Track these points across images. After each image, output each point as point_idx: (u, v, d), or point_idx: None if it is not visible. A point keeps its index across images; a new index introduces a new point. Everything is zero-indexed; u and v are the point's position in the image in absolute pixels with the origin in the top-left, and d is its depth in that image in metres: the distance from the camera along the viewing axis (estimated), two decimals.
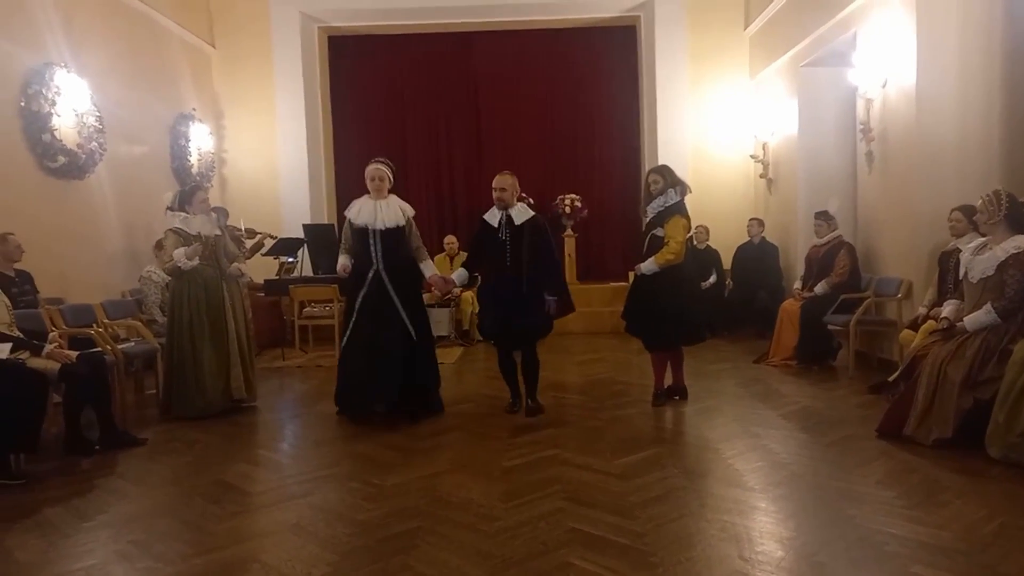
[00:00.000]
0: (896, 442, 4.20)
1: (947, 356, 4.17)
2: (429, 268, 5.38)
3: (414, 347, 5.14)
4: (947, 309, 4.61)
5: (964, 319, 4.23)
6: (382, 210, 5.16)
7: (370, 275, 5.14)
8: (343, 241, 5.35)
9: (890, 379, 4.74)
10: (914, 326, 5.42)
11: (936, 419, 4.11)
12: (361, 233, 5.17)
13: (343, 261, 5.28)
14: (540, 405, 5.24)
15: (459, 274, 5.39)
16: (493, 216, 5.25)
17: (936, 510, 3.19)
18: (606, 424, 4.89)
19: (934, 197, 5.88)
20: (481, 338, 8.53)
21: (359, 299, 5.16)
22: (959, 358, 4.12)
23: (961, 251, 4.64)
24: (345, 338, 5.23)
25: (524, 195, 5.65)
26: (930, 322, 5.06)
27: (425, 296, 8.89)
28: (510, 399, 5.34)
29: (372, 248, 5.15)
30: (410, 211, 5.33)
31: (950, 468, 3.73)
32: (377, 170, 5.26)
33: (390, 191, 5.30)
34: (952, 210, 5.39)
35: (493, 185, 5.24)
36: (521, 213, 5.20)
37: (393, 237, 5.16)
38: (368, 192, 5.28)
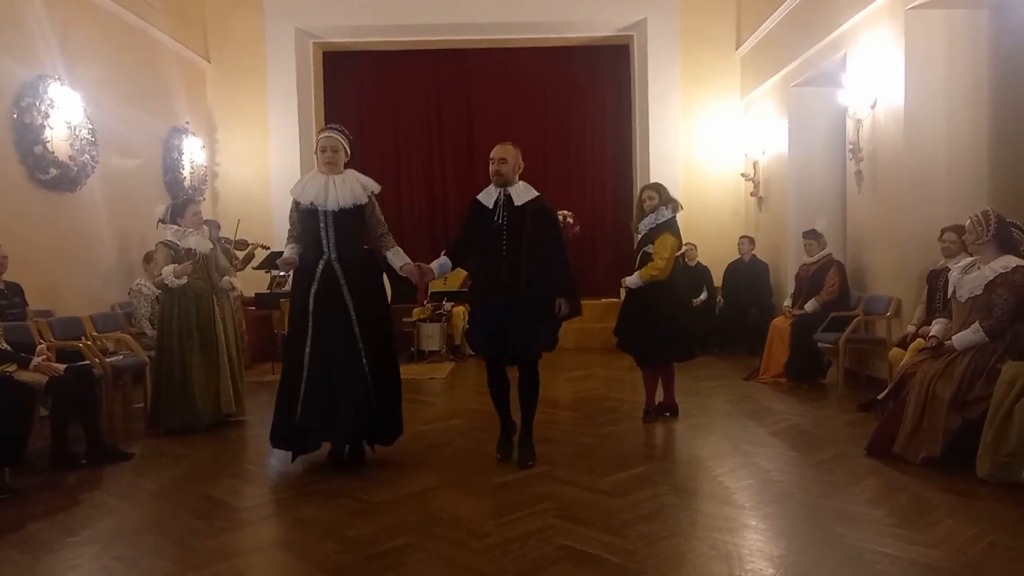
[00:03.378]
0: (886, 460, 4.21)
1: (935, 375, 4.19)
2: (399, 256, 4.37)
3: (367, 369, 4.20)
4: (935, 328, 4.65)
5: (952, 338, 4.26)
6: (335, 186, 4.20)
7: (320, 267, 4.19)
8: (290, 228, 4.42)
9: (879, 397, 4.76)
10: (903, 344, 5.45)
11: (925, 438, 4.12)
12: (309, 215, 4.22)
13: (288, 253, 4.35)
14: (533, 449, 4.34)
15: (440, 263, 4.38)
16: (488, 196, 4.31)
17: (926, 529, 3.19)
18: (597, 441, 4.88)
19: (923, 216, 5.95)
20: (472, 352, 8.47)
21: (310, 297, 4.19)
22: (947, 377, 4.14)
23: (950, 270, 4.68)
24: (306, 349, 4.20)
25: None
26: (919, 340, 5.09)
27: (415, 310, 9.00)
28: (499, 436, 4.46)
29: (322, 233, 4.18)
30: (374, 187, 4.33)
31: (939, 487, 3.74)
32: (329, 139, 4.28)
33: (346, 166, 4.38)
34: (944, 230, 5.45)
35: (491, 155, 4.29)
36: (523, 192, 4.27)
37: (349, 220, 4.20)
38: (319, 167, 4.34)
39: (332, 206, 4.16)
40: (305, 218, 4.25)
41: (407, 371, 7.90)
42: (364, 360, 4.19)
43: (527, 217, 4.20)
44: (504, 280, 4.15)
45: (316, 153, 4.34)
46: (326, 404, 4.18)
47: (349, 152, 4.36)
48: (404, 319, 8.99)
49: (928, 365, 4.31)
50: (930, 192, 5.99)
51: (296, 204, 4.29)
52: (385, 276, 4.59)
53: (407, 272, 4.32)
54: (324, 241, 4.19)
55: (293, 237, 4.39)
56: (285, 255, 4.38)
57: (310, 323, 4.20)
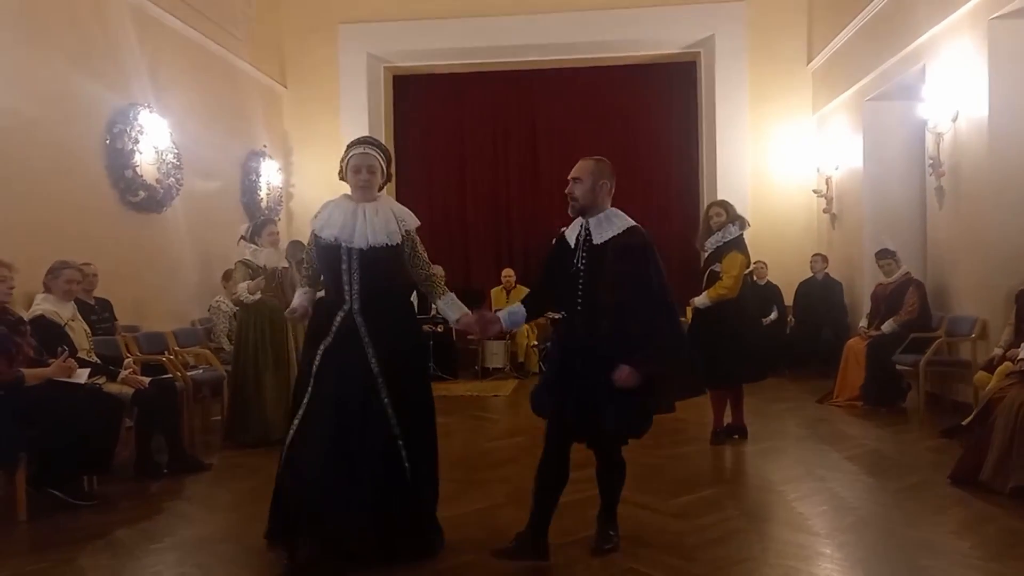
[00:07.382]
0: (971, 489, 4.00)
1: None
2: (454, 307, 3.41)
3: (400, 449, 3.22)
4: None
5: None
6: (366, 218, 3.27)
7: (338, 318, 3.26)
8: (304, 267, 3.59)
9: (964, 423, 4.55)
10: (989, 368, 5.20)
11: (1014, 465, 3.91)
12: (330, 252, 3.30)
13: (298, 299, 3.47)
14: (609, 532, 3.29)
15: (512, 313, 3.36)
16: (572, 231, 3.34)
17: (1016, 563, 3.03)
18: (664, 462, 4.80)
19: (1009, 233, 5.70)
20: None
21: (318, 355, 3.25)
22: None
23: None
24: (296, 420, 3.30)
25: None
26: (1007, 364, 4.85)
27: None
28: (525, 531, 3.20)
29: (345, 276, 3.26)
30: (413, 221, 3.42)
31: None
32: (364, 156, 3.33)
33: (380, 189, 3.46)
34: None
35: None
36: (606, 226, 3.21)
37: (381, 260, 3.27)
38: (350, 193, 3.43)
39: (359, 243, 3.24)
40: (325, 255, 3.33)
41: (471, 388, 8.00)
42: (400, 440, 3.22)
43: (608, 259, 3.13)
44: (579, 339, 3.20)
45: (346, 174, 3.40)
46: (332, 492, 3.11)
47: (388, 173, 3.45)
48: (469, 336, 9.07)
49: (1017, 389, 4.10)
50: (1016, 208, 5.72)
51: (316, 237, 3.39)
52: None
53: (465, 326, 3.47)
54: (346, 287, 3.26)
55: (307, 278, 3.52)
56: (293, 303, 3.49)
57: (310, 387, 3.27)
